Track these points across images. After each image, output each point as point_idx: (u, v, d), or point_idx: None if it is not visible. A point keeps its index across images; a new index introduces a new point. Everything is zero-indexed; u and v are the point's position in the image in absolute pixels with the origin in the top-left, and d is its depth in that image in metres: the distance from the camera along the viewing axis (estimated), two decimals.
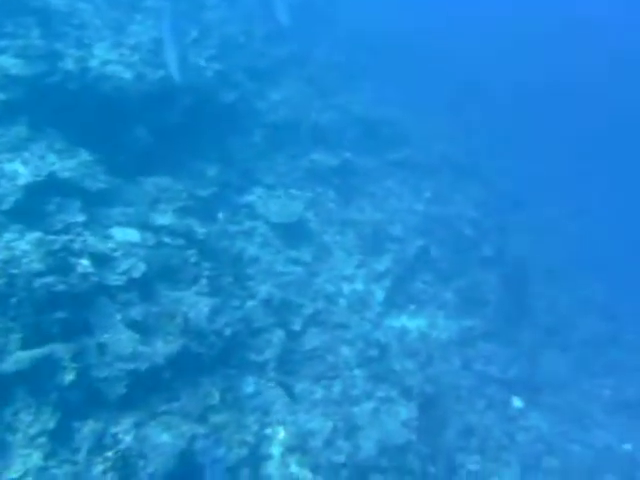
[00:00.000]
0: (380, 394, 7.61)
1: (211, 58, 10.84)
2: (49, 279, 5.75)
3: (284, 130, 11.29)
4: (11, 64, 7.63)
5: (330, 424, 6.97)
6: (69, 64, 8.06)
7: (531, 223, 14.20)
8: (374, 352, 8.20)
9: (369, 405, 7.41)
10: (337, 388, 7.48)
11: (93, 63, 8.35)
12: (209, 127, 10.08)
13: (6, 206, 6.46)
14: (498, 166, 15.22)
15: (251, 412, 6.84)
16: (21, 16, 8.33)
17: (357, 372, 7.77)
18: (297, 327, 7.99)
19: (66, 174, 7.22)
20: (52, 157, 7.32)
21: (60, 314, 5.65)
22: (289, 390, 7.19)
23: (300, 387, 7.32)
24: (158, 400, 6.16)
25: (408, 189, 12.07)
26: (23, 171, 6.88)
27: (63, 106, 7.98)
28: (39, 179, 6.87)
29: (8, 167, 6.88)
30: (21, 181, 6.77)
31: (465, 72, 18.76)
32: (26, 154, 7.14)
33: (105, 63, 8.51)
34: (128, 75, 8.62)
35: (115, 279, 6.45)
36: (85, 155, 7.72)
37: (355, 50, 16.69)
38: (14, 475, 5.18)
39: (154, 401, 6.13)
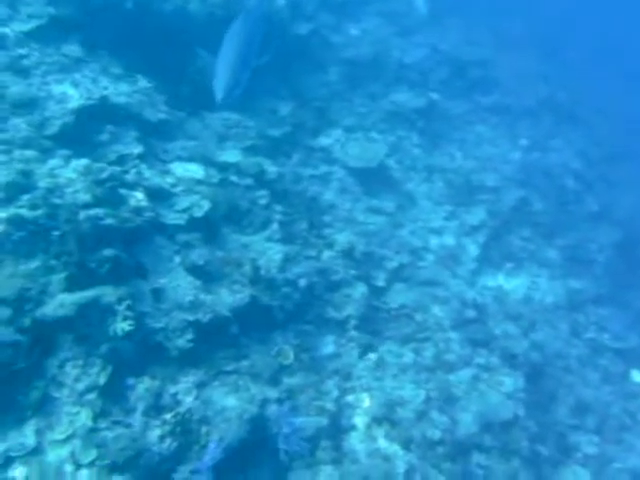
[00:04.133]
0: (480, 360, 6.48)
1: None
2: (97, 211, 4.89)
3: (363, 67, 10.10)
4: None
5: (422, 393, 5.90)
6: None
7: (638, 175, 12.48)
8: (470, 313, 7.05)
9: (467, 373, 6.29)
10: (429, 352, 6.39)
11: None
12: (280, 61, 8.99)
13: (52, 130, 5.65)
14: (599, 110, 13.47)
15: (330, 375, 5.87)
16: None
17: (452, 335, 6.65)
18: (381, 282, 6.93)
19: (122, 100, 6.36)
20: (106, 81, 6.48)
21: (109, 252, 4.77)
22: (373, 352, 6.17)
23: (386, 349, 6.28)
24: (223, 357, 5.27)
25: (502, 135, 10.64)
26: (73, 93, 6.07)
27: (119, 27, 7.13)
28: (91, 102, 6.04)
29: (56, 89, 6.08)
30: (70, 104, 5.95)
31: (558, 13, 16.95)
32: (77, 76, 6.33)
33: None
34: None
35: (174, 217, 5.56)
36: (143, 82, 6.88)
37: None
38: (59, 436, 4.40)
39: (218, 358, 5.25)
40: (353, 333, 6.25)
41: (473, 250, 8.29)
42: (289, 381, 5.49)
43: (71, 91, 6.13)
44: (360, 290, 6.51)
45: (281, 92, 8.98)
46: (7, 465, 4.19)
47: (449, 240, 8.31)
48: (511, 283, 8.17)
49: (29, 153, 5.27)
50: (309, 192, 7.49)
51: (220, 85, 4.84)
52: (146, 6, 7.46)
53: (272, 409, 5.14)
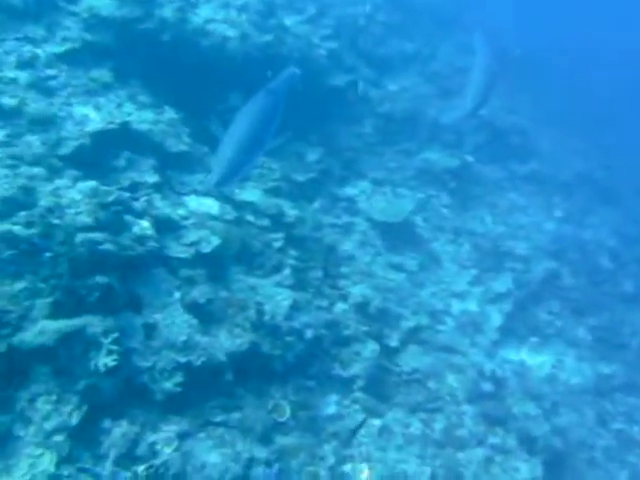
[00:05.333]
0: (494, 440, 5.88)
1: (326, 37, 9.74)
2: (96, 235, 4.60)
3: (398, 123, 9.92)
4: (103, 4, 6.81)
5: (428, 470, 5.33)
6: (167, 12, 7.13)
7: None
8: (487, 387, 6.49)
9: (479, 453, 5.70)
10: (439, 424, 5.83)
11: (193, 15, 7.37)
12: (314, 108, 8.87)
13: (65, 150, 5.46)
14: (638, 191, 13.01)
15: (328, 439, 5.34)
16: None
17: (465, 408, 6.09)
18: (394, 342, 6.45)
19: (144, 127, 6.20)
20: (132, 108, 6.35)
21: (102, 279, 4.45)
22: (379, 418, 5.65)
23: (392, 416, 5.75)
24: (213, 407, 4.82)
25: (536, 204, 10.26)
26: (94, 116, 5.92)
27: (153, 58, 7.08)
28: (111, 127, 5.87)
29: (78, 110, 5.95)
30: (89, 127, 5.79)
31: (601, 94, 16.77)
32: (101, 100, 6.20)
33: (207, 17, 7.53)
34: (231, 33, 7.63)
35: (179, 250, 5.25)
36: (170, 113, 6.74)
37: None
38: None
39: (208, 407, 4.80)
40: (358, 394, 5.74)
41: (496, 319, 7.78)
42: (282, 441, 4.99)
43: (92, 114, 5.99)
44: (371, 348, 6.04)
45: (311, 138, 8.79)
46: None
47: (472, 306, 7.83)
48: (535, 359, 7.60)
49: (36, 170, 5.07)
50: (328, 240, 7.15)
51: (219, 169, 4.01)
52: (184, 40, 7.41)
53: (258, 471, 4.63)
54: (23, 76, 6.15)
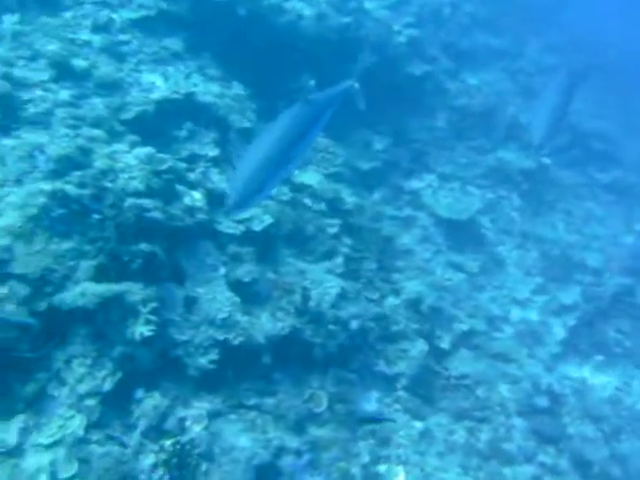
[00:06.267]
0: (544, 459, 5.49)
1: (407, 25, 9.37)
2: (145, 202, 4.52)
3: (473, 118, 9.45)
4: None
5: None
6: None
7: None
8: (542, 401, 6.07)
9: (527, 470, 5.33)
10: (485, 435, 5.49)
11: None
12: (387, 96, 8.55)
13: (127, 115, 5.44)
14: None
15: (365, 436, 5.12)
16: None
17: (516, 421, 5.71)
18: (445, 344, 6.14)
19: (209, 99, 6.09)
20: (198, 79, 6.26)
21: (146, 247, 4.37)
22: (421, 421, 5.37)
23: (435, 421, 5.46)
24: (247, 389, 4.70)
25: (615, 215, 9.58)
26: (161, 84, 5.90)
27: (227, 32, 6.99)
28: (176, 97, 5.81)
29: (146, 77, 5.94)
30: (155, 94, 5.74)
31: None
32: (170, 69, 6.17)
33: None
34: (307, 12, 7.43)
35: (229, 225, 5.12)
36: (238, 88, 6.63)
37: (572, 56, 14.33)
38: (45, 440, 3.94)
39: (242, 389, 4.68)
40: (402, 394, 5.49)
41: (559, 332, 7.29)
42: (315, 432, 4.80)
43: (159, 82, 5.95)
44: (419, 347, 5.76)
45: (380, 127, 8.51)
46: None
47: (533, 315, 7.38)
48: (598, 378, 7.07)
49: (96, 132, 5.05)
50: (386, 232, 6.87)
51: (236, 188, 3.34)
52: (259, 15, 7.27)
53: (287, 460, 4.47)
54: (97, 40, 6.19)
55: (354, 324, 5.30)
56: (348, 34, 8.02)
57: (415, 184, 8.20)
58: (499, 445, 5.48)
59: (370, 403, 5.36)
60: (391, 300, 6.01)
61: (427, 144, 8.89)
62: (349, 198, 6.52)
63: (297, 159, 3.75)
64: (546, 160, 9.49)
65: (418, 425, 5.41)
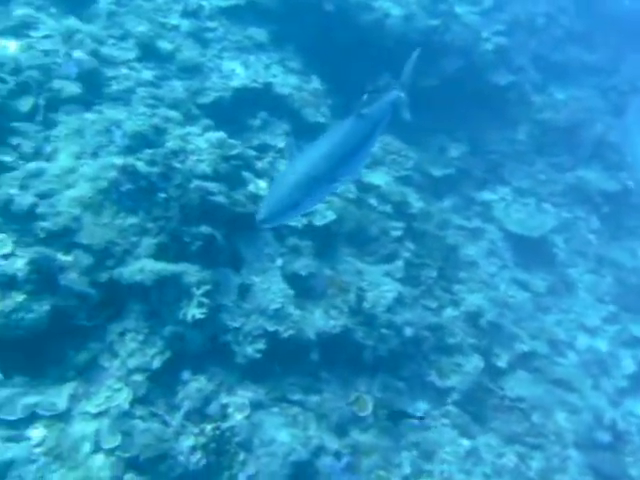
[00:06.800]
0: None
1: (497, 32, 9.10)
2: (211, 185, 4.55)
3: (557, 133, 9.07)
4: None
5: None
6: None
7: None
8: (604, 436, 5.72)
9: None
10: (536, 463, 5.22)
11: None
12: (468, 103, 8.34)
13: (205, 100, 5.53)
14: None
15: (409, 447, 4.96)
16: None
17: (572, 453, 5.41)
18: (502, 363, 5.89)
19: (286, 91, 6.09)
20: (278, 70, 6.28)
21: (207, 230, 4.39)
22: (469, 439, 5.16)
23: (485, 441, 5.24)
24: (292, 383, 4.63)
25: None
26: (240, 72, 5.95)
27: (312, 26, 6.98)
28: (254, 85, 5.84)
29: (227, 65, 6.02)
30: (234, 82, 5.81)
31: None
32: (251, 58, 6.21)
33: None
34: (395, 12, 7.33)
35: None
36: (316, 83, 6.62)
37: None
38: (92, 409, 4.01)
39: (287, 383, 4.62)
40: (451, 409, 5.30)
41: (629, 365, 6.87)
42: (357, 437, 4.69)
43: (239, 70, 6.02)
44: (474, 363, 5.55)
45: (458, 133, 8.29)
46: (29, 421, 3.85)
47: (601, 345, 6.99)
48: None
49: (172, 113, 5.14)
50: (451, 241, 6.66)
51: (267, 204, 3.04)
52: (346, 12, 7.22)
53: (326, 461, 4.38)
54: (185, 24, 6.32)
55: (408, 331, 5.16)
56: (434, 37, 7.86)
57: (487, 195, 7.95)
58: (551, 476, 5.20)
59: (418, 414, 5.19)
60: (449, 311, 5.83)
61: (505, 156, 8.60)
62: (416, 203, 6.37)
63: (346, 177, 3.42)
64: (631, 183, 8.99)
65: (465, 443, 5.20)
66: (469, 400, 5.41)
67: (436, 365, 5.40)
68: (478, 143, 8.45)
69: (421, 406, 5.22)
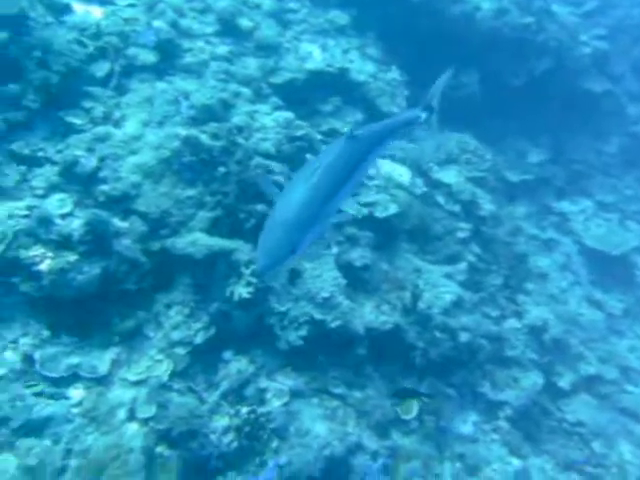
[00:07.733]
0: None
1: (597, 36, 8.56)
2: (272, 164, 4.46)
3: None
4: None
5: None
6: None
7: None
8: None
9: None
10: None
11: None
12: (555, 107, 7.89)
13: (277, 80, 5.41)
14: None
15: (452, 459, 4.70)
16: None
17: None
18: (564, 383, 5.50)
19: (361, 78, 5.91)
20: (356, 56, 6.11)
21: (262, 208, 4.26)
22: (519, 458, 4.84)
23: (537, 464, 4.89)
24: (335, 376, 4.46)
25: None
26: (317, 55, 5.80)
27: (398, 15, 6.76)
28: (329, 70, 5.69)
29: (304, 47, 5.89)
30: (309, 64, 5.67)
31: None
32: (330, 42, 6.07)
33: None
34: (486, 5, 6.99)
35: (351, 206, 4.89)
36: (395, 74, 6.38)
37: None
38: (131, 377, 3.99)
39: (330, 375, 4.44)
40: (503, 424, 4.99)
41: None
42: (398, 439, 4.46)
43: (316, 53, 5.89)
44: (533, 379, 5.21)
45: (541, 139, 7.86)
46: (70, 381, 3.89)
47: None
48: None
49: (243, 90, 5.06)
50: (520, 249, 6.29)
51: (262, 254, 2.55)
52: (432, 2, 6.95)
53: (362, 460, 4.19)
54: (267, 4, 6.25)
55: (463, 337, 4.87)
56: (527, 35, 7.46)
57: (566, 207, 7.49)
58: None
59: (466, 425, 4.92)
60: (512, 322, 5.49)
61: (591, 167, 8.08)
62: (487, 205, 6.04)
63: (334, 211, 2.88)
64: None
65: (515, 462, 4.88)
66: (523, 417, 5.08)
67: (491, 376, 5.10)
68: (562, 151, 7.99)
69: (470, 417, 4.94)
